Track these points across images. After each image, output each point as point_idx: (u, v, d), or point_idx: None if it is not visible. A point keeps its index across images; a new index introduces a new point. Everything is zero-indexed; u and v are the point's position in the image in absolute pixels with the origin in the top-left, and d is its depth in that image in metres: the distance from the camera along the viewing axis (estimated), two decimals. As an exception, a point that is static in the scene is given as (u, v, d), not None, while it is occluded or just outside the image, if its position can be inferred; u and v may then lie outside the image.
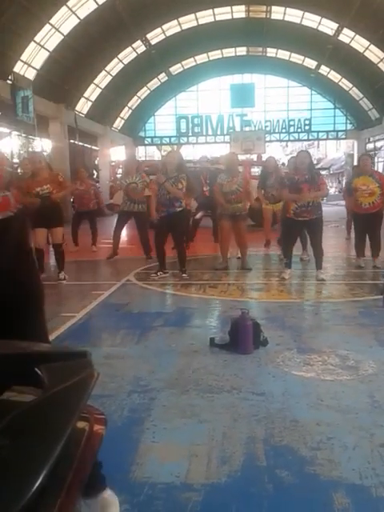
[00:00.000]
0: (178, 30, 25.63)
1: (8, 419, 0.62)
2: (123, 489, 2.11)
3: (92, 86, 25.00)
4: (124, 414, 2.82)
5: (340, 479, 2.18)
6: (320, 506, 2.02)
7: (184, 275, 6.94)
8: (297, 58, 29.84)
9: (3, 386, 0.73)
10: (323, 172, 32.73)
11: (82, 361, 0.75)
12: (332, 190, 34.14)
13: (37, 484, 0.56)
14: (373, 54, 24.42)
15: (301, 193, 6.42)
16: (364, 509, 1.99)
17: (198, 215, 10.28)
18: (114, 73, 25.78)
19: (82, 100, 24.62)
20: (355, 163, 30.67)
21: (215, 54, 30.59)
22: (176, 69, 30.96)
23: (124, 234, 9.54)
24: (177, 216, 6.88)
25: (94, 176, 24.72)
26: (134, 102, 31.55)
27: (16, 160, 18.13)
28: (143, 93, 31.58)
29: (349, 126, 32.64)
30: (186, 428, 2.66)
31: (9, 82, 16.52)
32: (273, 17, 25.11)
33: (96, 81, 25.04)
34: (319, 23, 24.23)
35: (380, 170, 19.39)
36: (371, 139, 31.06)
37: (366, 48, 24.34)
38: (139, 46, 25.43)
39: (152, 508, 2.00)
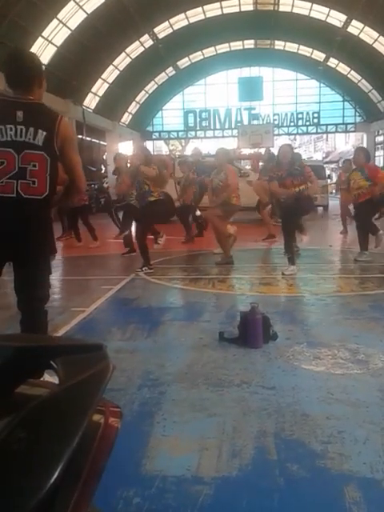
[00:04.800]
0: (185, 23, 25.57)
1: (24, 412, 0.63)
2: (134, 482, 2.13)
3: (100, 81, 25.01)
4: (134, 407, 2.83)
5: (351, 473, 2.17)
6: (331, 499, 2.02)
7: (139, 269, 6.85)
8: (305, 50, 29.67)
9: (18, 380, 0.73)
10: (332, 165, 32.54)
11: (98, 353, 0.75)
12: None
13: (53, 478, 0.56)
14: (382, 45, 24.23)
15: (286, 187, 6.53)
16: (375, 502, 1.98)
17: (198, 212, 10.22)
18: (121, 67, 25.76)
19: (90, 95, 24.64)
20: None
21: (223, 48, 30.48)
22: (184, 63, 30.89)
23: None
24: (146, 207, 6.89)
25: (103, 171, 24.73)
26: (142, 96, 31.54)
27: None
28: (151, 87, 31.55)
29: (358, 119, 32.44)
30: (196, 422, 2.67)
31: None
32: (281, 9, 24.99)
33: (104, 76, 25.05)
34: (328, 15, 24.07)
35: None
36: (380, 132, 30.86)
37: (375, 40, 24.15)
38: (147, 41, 25.40)
39: (163, 501, 2.01)
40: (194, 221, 10.28)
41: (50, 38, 18.76)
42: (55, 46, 19.22)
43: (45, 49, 18.78)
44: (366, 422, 2.62)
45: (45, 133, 2.72)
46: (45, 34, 18.32)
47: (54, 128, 2.76)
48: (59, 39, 19.28)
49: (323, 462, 2.26)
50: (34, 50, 17.98)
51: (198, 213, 10.08)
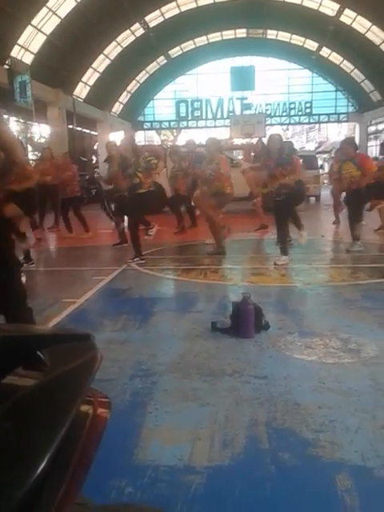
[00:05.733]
0: (176, 11, 25.36)
1: (10, 403, 0.61)
2: (126, 472, 2.13)
3: (90, 70, 24.79)
4: (126, 398, 2.83)
5: (342, 461, 2.18)
6: (323, 487, 2.03)
7: (130, 260, 6.87)
8: (297, 39, 29.55)
9: (5, 370, 0.72)
10: (324, 155, 32.56)
11: (86, 343, 0.74)
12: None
13: (40, 468, 0.55)
14: (375, 35, 24.17)
15: (275, 179, 6.52)
16: (367, 490, 2.00)
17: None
18: (112, 56, 25.55)
19: (81, 84, 24.43)
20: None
21: (215, 37, 30.28)
22: (175, 52, 30.68)
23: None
24: (135, 198, 6.87)
25: (94, 162, 24.61)
26: (133, 86, 31.32)
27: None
28: (142, 77, 31.33)
29: (350, 109, 32.42)
30: (188, 411, 2.67)
31: (6, 66, 16.37)
32: (273, -3, 24.82)
33: (94, 65, 24.82)
34: (320, 4, 23.98)
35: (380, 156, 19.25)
36: (373, 122, 30.86)
37: (368, 29, 24.09)
38: (138, 29, 25.18)
39: (155, 491, 2.01)
40: (187, 211, 10.22)
41: (39, 27, 18.53)
42: (45, 34, 18.99)
43: (34, 37, 18.55)
44: (357, 410, 2.63)
45: None
46: (34, 22, 18.08)
47: None
48: (49, 28, 19.05)
49: (315, 450, 2.27)
50: (23, 38, 17.80)
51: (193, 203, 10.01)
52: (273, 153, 6.64)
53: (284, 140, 9.26)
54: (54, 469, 0.58)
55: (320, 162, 16.32)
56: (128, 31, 24.84)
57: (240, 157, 20.26)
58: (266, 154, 6.89)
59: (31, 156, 17.81)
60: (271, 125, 31.39)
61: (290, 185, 6.47)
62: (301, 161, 6.71)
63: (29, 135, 20.49)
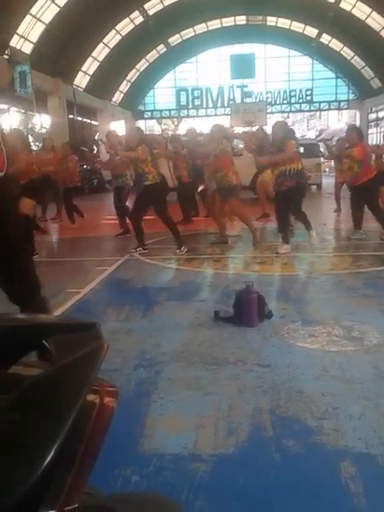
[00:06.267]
0: (176, -1, 25.10)
1: (17, 393, 0.61)
2: (132, 461, 2.14)
3: (90, 59, 24.63)
4: (131, 387, 2.84)
5: (346, 448, 2.19)
6: (327, 475, 2.03)
7: (177, 251, 6.74)
8: (297, 26, 29.28)
9: (11, 360, 0.72)
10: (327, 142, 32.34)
11: (92, 332, 0.74)
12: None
13: (48, 459, 0.55)
14: (375, 21, 23.94)
15: (277, 165, 6.45)
16: (371, 477, 2.00)
17: (200, 188, 10.00)
18: (111, 45, 25.37)
19: (80, 74, 24.29)
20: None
21: (214, 24, 30.02)
22: (175, 40, 30.44)
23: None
24: (144, 193, 6.72)
25: (95, 151, 24.50)
26: (133, 74, 31.13)
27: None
28: (142, 65, 31.12)
29: (351, 96, 32.20)
30: (192, 400, 2.68)
31: (6, 56, 16.27)
32: (273, -16, 24.57)
33: (94, 54, 24.66)
34: (320, -11, 23.71)
35: (381, 142, 19.10)
36: (373, 109, 30.65)
37: (368, 15, 23.87)
38: (137, 17, 24.98)
39: (161, 479, 2.02)
40: (201, 198, 10.00)
41: (38, 16, 18.38)
42: (44, 23, 18.85)
43: (33, 27, 18.41)
44: (360, 398, 2.63)
45: None
46: (33, 11, 17.94)
47: None
48: (48, 17, 18.90)
49: (319, 438, 2.28)
50: (22, 28, 17.67)
51: (199, 189, 9.84)
52: (276, 140, 6.60)
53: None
54: (62, 459, 0.57)
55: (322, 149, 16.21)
56: (127, 19, 24.64)
57: (241, 145, 20.16)
58: (272, 143, 6.83)
59: (33, 147, 17.72)
60: (272, 113, 31.19)
61: (283, 169, 6.39)
62: (294, 145, 6.57)
63: (29, 126, 20.41)
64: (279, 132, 6.60)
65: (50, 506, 0.58)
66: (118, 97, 30.51)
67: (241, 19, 30.07)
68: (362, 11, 24.00)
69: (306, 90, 31.98)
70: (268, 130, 10.31)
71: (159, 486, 1.98)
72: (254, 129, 17.31)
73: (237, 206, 7.27)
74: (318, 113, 44.83)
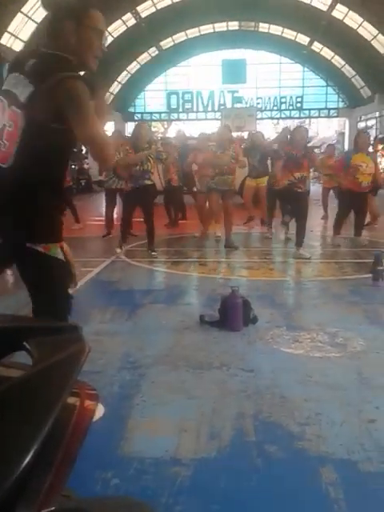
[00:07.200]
0: (169, 2, 25.12)
1: (-5, 395, 0.61)
2: (112, 464, 2.13)
3: (81, 60, 24.47)
4: (113, 390, 2.82)
5: (328, 454, 2.20)
6: (308, 480, 2.04)
7: (153, 253, 6.84)
8: (289, 33, 29.43)
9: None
10: (315, 150, 32.59)
11: (73, 335, 0.73)
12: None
13: (25, 462, 0.54)
14: (366, 30, 24.15)
15: (301, 167, 6.55)
16: (351, 483, 2.01)
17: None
18: (103, 46, 25.22)
19: (71, 74, 24.12)
20: (346, 141, 30.60)
21: (207, 29, 30.06)
22: (167, 43, 30.42)
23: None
24: (146, 189, 6.82)
25: (83, 152, 24.38)
26: (124, 76, 31.04)
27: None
28: (133, 67, 31.06)
29: (341, 104, 32.44)
30: (175, 404, 2.67)
31: (-5, 54, 16.15)
32: (266, -10, 24.69)
33: (85, 54, 24.50)
34: (313, -2, 23.88)
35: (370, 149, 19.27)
36: (363, 118, 30.90)
37: (360, 25, 24.06)
38: (129, 19, 24.93)
39: (141, 483, 2.01)
40: (178, 205, 10.05)
41: (29, 14, 18.28)
42: (35, 22, 18.74)
43: (24, 26, 18.31)
44: (343, 404, 2.65)
45: (32, 88, 2.05)
46: (24, 9, 17.83)
47: (44, 84, 2.02)
48: (39, 15, 18.78)
49: (301, 443, 2.29)
50: (12, 27, 17.55)
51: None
52: (301, 145, 6.71)
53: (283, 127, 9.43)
54: (39, 462, 0.57)
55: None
56: (120, 21, 24.57)
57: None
58: (290, 142, 6.83)
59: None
60: (262, 119, 31.31)
61: (302, 174, 6.63)
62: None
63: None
64: (305, 137, 6.95)
65: (26, 509, 0.58)
66: (108, 98, 30.41)
67: (233, 25, 30.15)
68: (353, 20, 24.20)
69: (297, 97, 32.13)
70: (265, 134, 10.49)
71: (139, 489, 1.97)
72: (245, 134, 17.36)
73: (232, 207, 7.58)
74: (307, 120, 45.12)
